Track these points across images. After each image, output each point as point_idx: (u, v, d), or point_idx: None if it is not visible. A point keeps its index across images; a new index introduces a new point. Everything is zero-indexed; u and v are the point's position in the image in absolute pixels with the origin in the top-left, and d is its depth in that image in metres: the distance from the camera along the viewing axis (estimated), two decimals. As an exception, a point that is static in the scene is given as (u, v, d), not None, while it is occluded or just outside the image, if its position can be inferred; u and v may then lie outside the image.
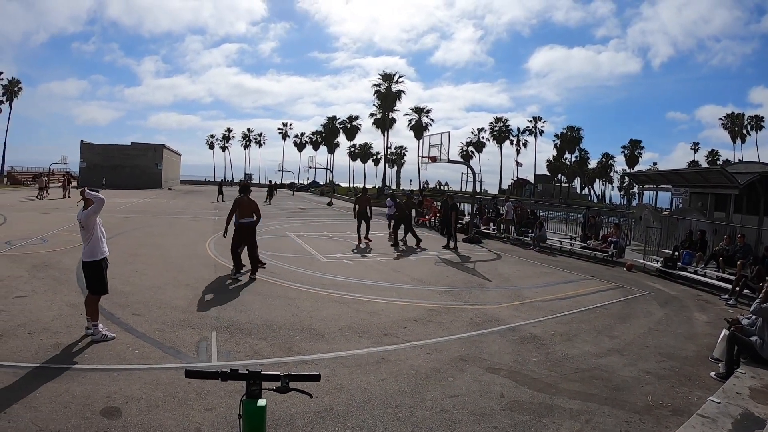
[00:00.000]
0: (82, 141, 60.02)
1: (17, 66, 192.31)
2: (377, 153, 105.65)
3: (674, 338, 7.72)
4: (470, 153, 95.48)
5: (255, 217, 10.27)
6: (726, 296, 10.84)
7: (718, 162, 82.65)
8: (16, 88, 65.59)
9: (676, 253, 13.95)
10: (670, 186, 24.92)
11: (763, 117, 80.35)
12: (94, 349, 5.81)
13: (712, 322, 8.79)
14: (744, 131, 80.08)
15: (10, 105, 65.35)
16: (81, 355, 5.62)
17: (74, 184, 37.45)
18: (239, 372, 1.99)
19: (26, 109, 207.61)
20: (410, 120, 78.22)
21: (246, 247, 10.32)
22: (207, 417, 4.33)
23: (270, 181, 46.76)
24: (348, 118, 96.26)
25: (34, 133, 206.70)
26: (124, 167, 58.11)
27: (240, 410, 2.00)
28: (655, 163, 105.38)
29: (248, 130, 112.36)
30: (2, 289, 8.31)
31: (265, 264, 11.09)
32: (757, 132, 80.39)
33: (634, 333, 7.87)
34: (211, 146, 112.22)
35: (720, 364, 6.30)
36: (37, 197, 31.35)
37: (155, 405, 4.49)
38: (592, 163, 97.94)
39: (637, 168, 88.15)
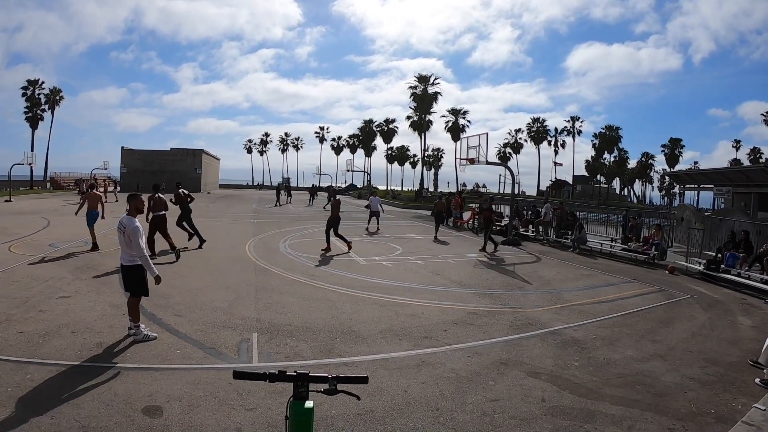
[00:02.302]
0: (122, 147, 62.10)
1: (58, 76, 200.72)
2: (414, 155, 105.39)
3: (718, 343, 7.46)
4: (507, 154, 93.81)
5: (164, 211, 12.70)
6: (770, 299, 10.44)
7: (761, 160, 79.99)
8: (57, 97, 67.10)
9: (719, 255, 13.52)
10: (712, 186, 24.32)
11: (807, 112, 77.21)
12: (136, 348, 5.93)
13: (757, 327, 8.48)
14: (788, 127, 77.00)
15: (52, 113, 66.83)
16: (123, 354, 5.74)
17: (112, 188, 38.51)
18: (287, 374, 1.99)
19: (68, 117, 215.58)
20: (447, 122, 77.79)
21: (161, 234, 12.44)
22: (248, 417, 4.36)
23: (312, 185, 50.64)
24: (385, 121, 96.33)
25: (77, 141, 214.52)
26: (164, 172, 59.32)
27: (287, 411, 1.99)
28: (695, 162, 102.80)
29: (286, 134, 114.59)
30: (46, 289, 8.58)
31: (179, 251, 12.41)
32: (801, 128, 77.33)
33: (677, 337, 7.64)
34: (249, 150, 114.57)
35: (765, 371, 6.04)
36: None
37: (196, 404, 4.55)
38: (632, 163, 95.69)
39: (677, 167, 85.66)
